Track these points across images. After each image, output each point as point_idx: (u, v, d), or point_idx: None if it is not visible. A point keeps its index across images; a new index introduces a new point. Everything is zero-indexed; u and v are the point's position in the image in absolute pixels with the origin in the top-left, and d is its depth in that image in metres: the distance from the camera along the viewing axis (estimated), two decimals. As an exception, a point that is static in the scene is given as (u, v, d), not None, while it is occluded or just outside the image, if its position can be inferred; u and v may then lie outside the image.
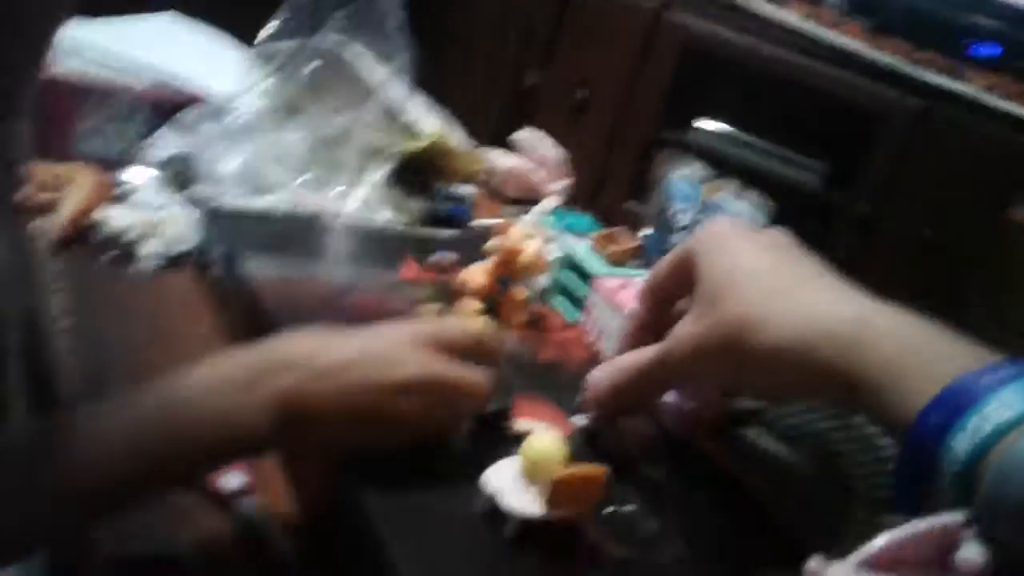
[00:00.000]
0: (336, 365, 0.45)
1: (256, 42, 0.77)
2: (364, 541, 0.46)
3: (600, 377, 0.52)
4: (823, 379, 0.40)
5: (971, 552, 0.32)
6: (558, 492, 0.46)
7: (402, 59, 0.77)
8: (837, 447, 0.55)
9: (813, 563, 0.31)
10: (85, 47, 0.84)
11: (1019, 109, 1.59)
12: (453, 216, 0.90)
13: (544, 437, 0.49)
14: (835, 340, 0.39)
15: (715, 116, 1.83)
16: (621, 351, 0.51)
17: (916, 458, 0.35)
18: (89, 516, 0.44)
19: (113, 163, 0.82)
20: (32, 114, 0.42)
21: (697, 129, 1.83)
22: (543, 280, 0.75)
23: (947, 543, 0.32)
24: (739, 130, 1.81)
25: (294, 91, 0.76)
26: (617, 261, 0.70)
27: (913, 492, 0.35)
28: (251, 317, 0.62)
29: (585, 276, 0.71)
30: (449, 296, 0.69)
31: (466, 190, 0.94)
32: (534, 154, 1.05)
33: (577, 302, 0.72)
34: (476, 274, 0.69)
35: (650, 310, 0.51)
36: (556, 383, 0.62)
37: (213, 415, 0.43)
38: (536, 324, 0.70)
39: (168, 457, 0.42)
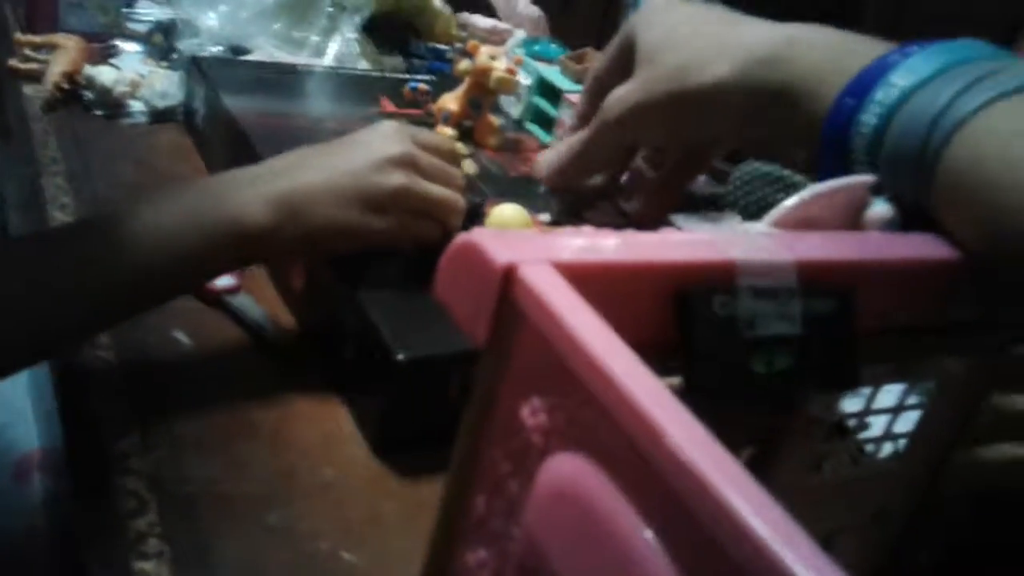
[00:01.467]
0: (325, 160, 0.49)
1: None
2: (349, 323, 0.49)
3: (548, 155, 0.54)
4: (756, 102, 0.41)
5: (879, 208, 0.35)
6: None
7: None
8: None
9: (736, 223, 0.33)
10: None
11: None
12: (432, 71, 0.92)
13: (507, 207, 0.52)
14: (765, 59, 0.41)
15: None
16: (576, 113, 0.53)
17: (834, 141, 0.37)
18: (111, 314, 0.46)
19: (98, 35, 0.85)
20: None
21: None
22: (517, 107, 0.77)
23: (856, 202, 0.35)
24: None
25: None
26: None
27: (833, 174, 0.37)
28: (235, 152, 0.65)
29: (557, 99, 0.73)
30: (425, 126, 0.71)
31: (445, 48, 0.96)
32: (512, 13, 1.06)
33: (550, 125, 0.74)
34: (450, 100, 0.71)
35: (593, 99, 0.51)
36: (527, 192, 0.65)
37: (218, 209, 0.45)
38: (512, 147, 0.72)
39: (184, 252, 0.45)
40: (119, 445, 0.43)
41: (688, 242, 0.28)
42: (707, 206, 0.63)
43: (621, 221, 0.59)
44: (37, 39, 0.79)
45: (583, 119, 0.52)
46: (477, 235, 0.26)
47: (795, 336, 0.28)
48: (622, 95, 0.47)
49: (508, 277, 0.25)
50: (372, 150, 0.50)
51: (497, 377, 0.26)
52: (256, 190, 0.47)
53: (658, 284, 0.27)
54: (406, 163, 0.50)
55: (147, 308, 0.47)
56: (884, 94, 0.35)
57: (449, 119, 0.71)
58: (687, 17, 0.47)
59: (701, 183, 0.63)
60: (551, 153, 0.53)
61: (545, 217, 0.59)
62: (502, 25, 1.03)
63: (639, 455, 0.20)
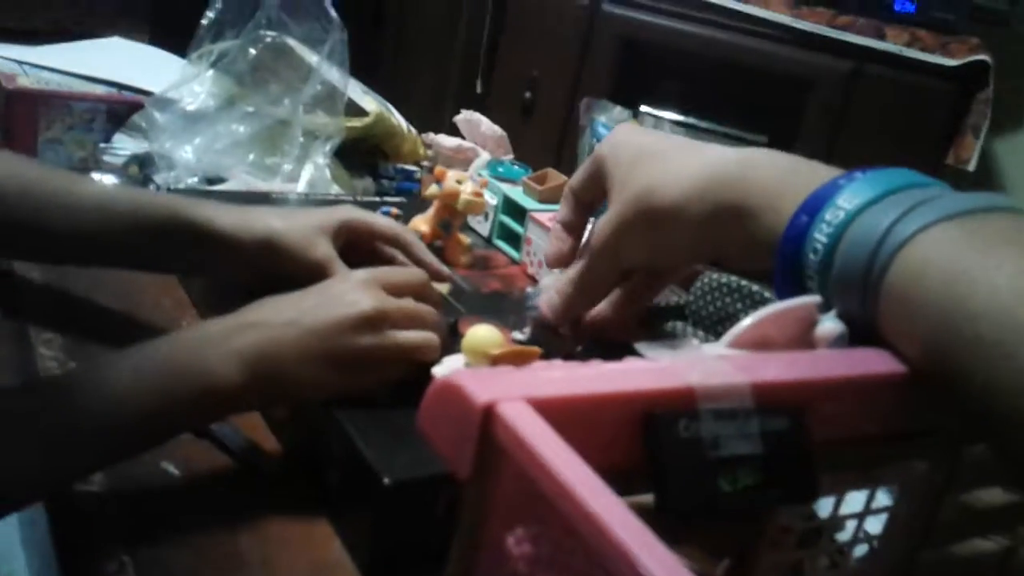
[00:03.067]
0: (296, 315, 0.51)
1: (194, 38, 0.83)
2: (334, 448, 0.51)
3: (550, 296, 0.56)
4: (716, 220, 0.44)
5: (828, 326, 0.37)
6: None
7: (335, 41, 0.82)
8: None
9: (694, 346, 0.36)
10: (42, 65, 0.90)
11: (939, 59, 1.67)
12: (401, 191, 0.96)
13: (482, 327, 0.54)
14: (723, 179, 0.44)
15: (658, 103, 1.90)
16: (549, 250, 0.56)
17: (788, 259, 0.40)
18: (85, 467, 0.48)
19: (75, 170, 0.87)
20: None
21: (642, 116, 1.90)
22: (487, 226, 0.80)
23: (807, 321, 0.38)
24: (682, 114, 1.88)
25: (235, 79, 0.82)
26: (549, 199, 0.76)
27: (790, 294, 0.40)
28: (215, 283, 0.67)
29: (523, 217, 0.77)
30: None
31: (413, 168, 1.00)
32: (476, 133, 1.10)
33: (518, 241, 0.77)
34: (419, 223, 0.74)
35: (572, 210, 0.56)
36: (500, 308, 0.67)
37: (191, 368, 0.48)
38: (482, 264, 0.75)
39: (156, 410, 0.47)
40: (109, 580, 0.43)
41: (651, 370, 0.31)
42: (669, 315, 0.66)
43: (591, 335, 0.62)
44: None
45: (564, 229, 0.56)
46: (457, 376, 0.28)
47: (757, 454, 0.30)
48: (602, 224, 0.50)
49: (488, 415, 0.27)
50: (343, 307, 0.51)
51: (482, 509, 0.28)
52: (229, 347, 0.49)
53: (626, 411, 0.29)
54: (377, 320, 0.52)
55: (119, 461, 0.49)
56: (832, 215, 0.38)
57: (420, 240, 0.73)
58: (651, 143, 0.50)
59: (663, 291, 0.66)
60: (551, 294, 0.55)
61: (519, 335, 0.61)
62: (466, 144, 1.08)
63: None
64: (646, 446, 0.29)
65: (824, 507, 0.37)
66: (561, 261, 0.55)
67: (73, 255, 0.63)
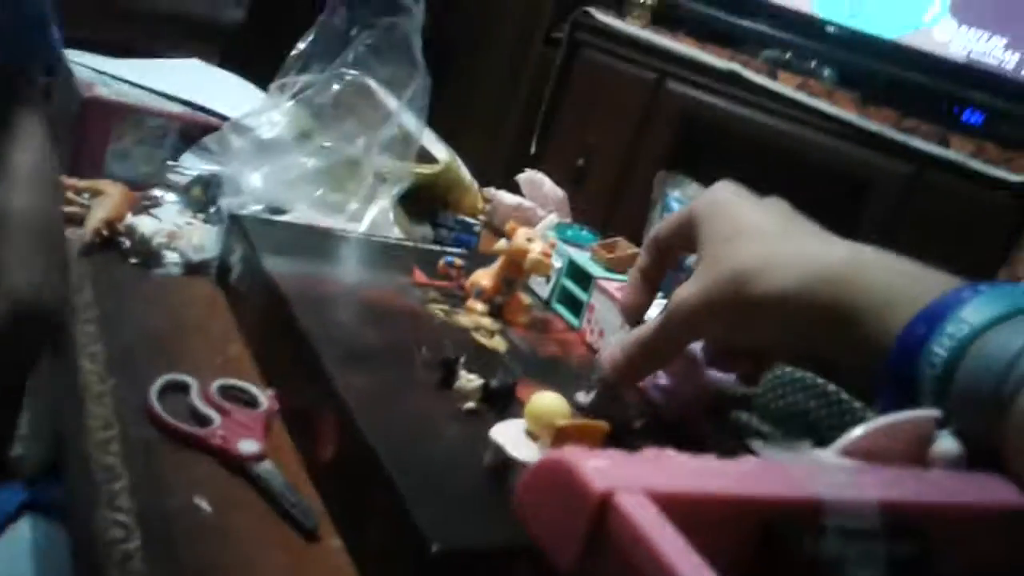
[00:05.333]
0: None
1: (280, 69, 0.83)
2: (377, 496, 0.48)
3: (613, 352, 0.55)
4: (818, 318, 0.42)
5: (946, 445, 0.35)
6: (561, 441, 0.48)
7: (418, 87, 0.82)
8: (825, 423, 0.57)
9: (808, 451, 0.33)
10: (120, 77, 0.90)
11: (1003, 172, 1.65)
12: (460, 242, 0.94)
13: (547, 395, 0.51)
14: (830, 278, 0.42)
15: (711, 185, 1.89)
16: (625, 298, 0.54)
17: (900, 368, 0.37)
18: None
19: (140, 184, 0.87)
20: (66, 134, 0.47)
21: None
22: (547, 288, 0.78)
23: (923, 437, 0.35)
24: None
25: (313, 113, 0.81)
26: (617, 267, 0.74)
27: (897, 405, 0.37)
28: (269, 311, 0.66)
29: (587, 283, 0.74)
30: (455, 299, 0.72)
31: (472, 221, 0.99)
32: (537, 194, 1.09)
33: (579, 308, 0.75)
34: (483, 276, 0.72)
35: (653, 260, 0.54)
36: (557, 374, 0.65)
37: None
38: (539, 327, 0.73)
39: None
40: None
41: (772, 474, 0.28)
42: (736, 405, 0.63)
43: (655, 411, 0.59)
44: (81, 183, 0.81)
45: (643, 278, 0.55)
46: (569, 454, 0.25)
47: (880, 581, 0.27)
48: (686, 297, 0.48)
49: (604, 505, 0.24)
50: None
51: (581, 606, 0.25)
52: None
53: (745, 517, 0.26)
54: None
55: None
56: (955, 328, 0.36)
57: (481, 295, 0.71)
58: (751, 216, 0.48)
59: (731, 382, 0.63)
60: (615, 350, 0.53)
61: (581, 397, 0.58)
62: (527, 203, 1.07)
63: None
64: (768, 558, 0.26)
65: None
66: (636, 311, 0.53)
67: None
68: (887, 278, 0.41)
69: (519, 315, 0.72)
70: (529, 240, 0.70)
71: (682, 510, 0.24)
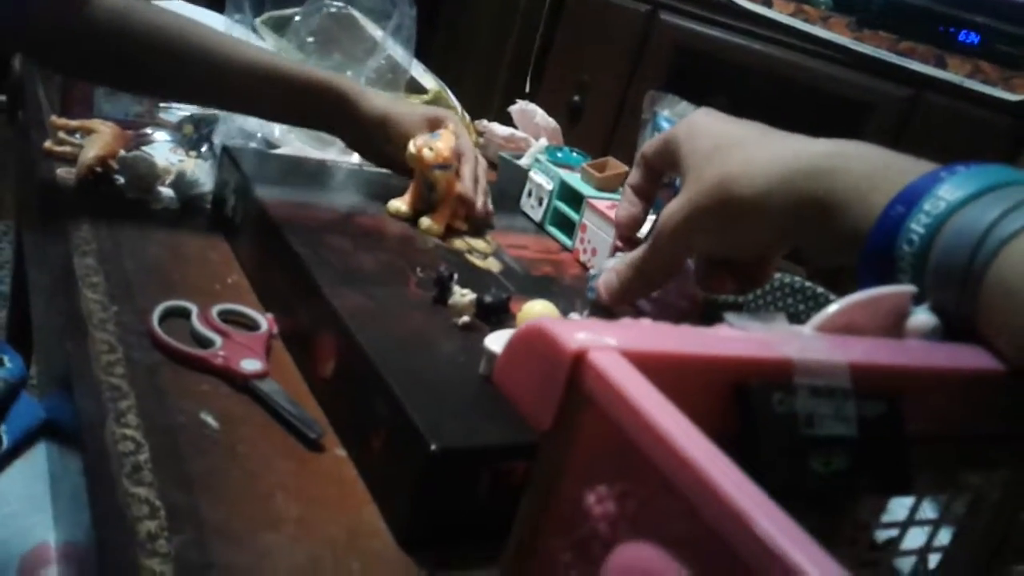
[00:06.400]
0: None
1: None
2: (378, 405, 0.49)
3: (607, 277, 0.55)
4: (803, 212, 0.42)
5: (922, 318, 0.35)
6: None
7: (403, 17, 0.81)
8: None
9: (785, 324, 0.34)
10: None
11: (1001, 92, 1.64)
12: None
13: (538, 302, 0.52)
14: (812, 172, 0.42)
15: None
16: (620, 213, 0.55)
17: (880, 249, 0.38)
18: None
19: (131, 123, 0.87)
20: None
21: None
22: (538, 211, 0.79)
23: (899, 311, 0.36)
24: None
25: (297, 47, 0.81)
26: (607, 186, 0.74)
27: (874, 284, 0.38)
28: (263, 240, 0.66)
29: (579, 204, 0.75)
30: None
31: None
32: (529, 124, 1.09)
33: (572, 229, 0.75)
34: (400, 202, 0.72)
35: (643, 176, 0.55)
36: (550, 293, 0.66)
37: None
38: (533, 247, 0.74)
39: None
40: (145, 526, 0.42)
41: (746, 339, 0.29)
42: (727, 310, 0.64)
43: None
44: (73, 123, 0.82)
45: (635, 193, 0.56)
46: (544, 321, 0.26)
47: (851, 437, 0.28)
48: (674, 210, 0.48)
49: (578, 362, 0.25)
50: None
51: (560, 464, 0.26)
52: None
53: (718, 377, 0.27)
54: None
55: None
56: (932, 206, 0.36)
57: (400, 212, 0.72)
58: (732, 132, 0.48)
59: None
60: (611, 275, 0.54)
61: (574, 316, 0.59)
62: (519, 134, 1.07)
63: (722, 544, 0.20)
64: (741, 415, 0.27)
65: (898, 512, 0.35)
66: (630, 224, 0.54)
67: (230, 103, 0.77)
68: (868, 167, 0.41)
69: (459, 208, 0.71)
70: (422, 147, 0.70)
71: (655, 367, 0.25)
